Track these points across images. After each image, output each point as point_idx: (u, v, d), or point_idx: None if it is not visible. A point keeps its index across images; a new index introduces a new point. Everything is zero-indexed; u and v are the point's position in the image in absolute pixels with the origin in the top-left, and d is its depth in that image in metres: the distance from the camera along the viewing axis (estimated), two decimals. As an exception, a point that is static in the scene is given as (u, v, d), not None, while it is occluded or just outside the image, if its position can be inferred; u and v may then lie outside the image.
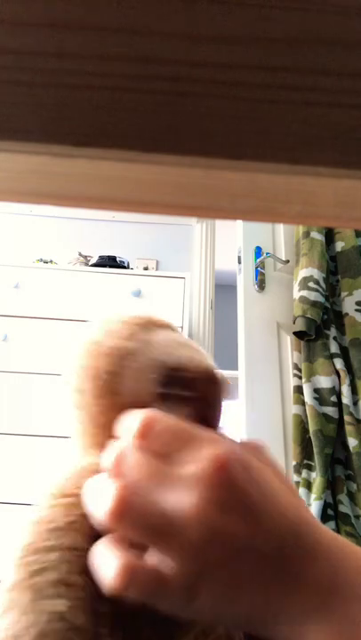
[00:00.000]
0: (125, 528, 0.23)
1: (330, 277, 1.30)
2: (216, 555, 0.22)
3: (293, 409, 1.18)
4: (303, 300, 1.20)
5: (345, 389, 1.13)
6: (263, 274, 1.35)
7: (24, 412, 1.44)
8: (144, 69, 0.14)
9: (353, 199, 0.17)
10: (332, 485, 1.10)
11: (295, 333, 1.22)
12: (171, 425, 0.25)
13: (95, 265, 1.84)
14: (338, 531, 1.05)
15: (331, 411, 1.13)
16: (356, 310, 1.21)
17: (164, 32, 0.13)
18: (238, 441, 0.27)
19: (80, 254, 1.95)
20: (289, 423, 1.20)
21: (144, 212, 0.17)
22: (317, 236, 1.28)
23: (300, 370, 1.21)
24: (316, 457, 1.10)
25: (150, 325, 0.33)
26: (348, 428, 1.09)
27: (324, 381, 1.16)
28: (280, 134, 0.15)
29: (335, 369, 1.17)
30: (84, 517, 0.26)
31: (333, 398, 1.14)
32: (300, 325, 1.19)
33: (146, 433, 0.25)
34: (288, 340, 1.31)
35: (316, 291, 1.20)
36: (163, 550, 0.22)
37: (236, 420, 1.26)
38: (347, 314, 1.22)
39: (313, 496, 1.06)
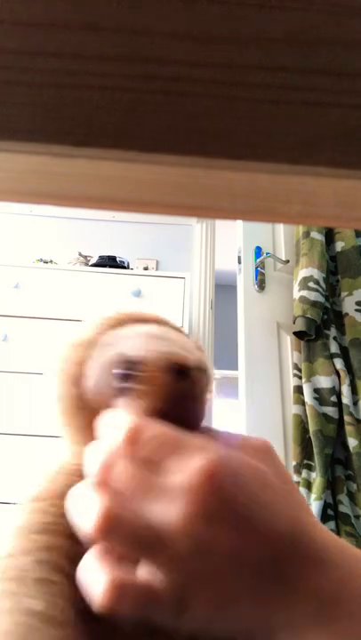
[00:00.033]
0: (112, 543, 0.22)
1: (330, 277, 1.30)
2: (205, 567, 0.21)
3: (293, 409, 1.19)
4: (303, 300, 1.20)
5: (345, 389, 1.13)
6: (263, 274, 1.35)
7: (24, 412, 1.44)
8: (144, 69, 0.14)
9: (353, 199, 0.17)
10: (332, 485, 1.10)
11: (295, 333, 1.22)
12: (159, 432, 0.24)
13: (95, 265, 1.84)
14: (338, 531, 1.05)
15: (331, 411, 1.13)
16: (357, 310, 1.21)
17: (164, 32, 0.13)
18: (241, 439, 0.27)
19: (80, 254, 1.95)
20: (289, 423, 1.20)
21: (144, 211, 0.17)
22: (317, 236, 1.28)
23: (300, 370, 1.21)
24: (316, 457, 1.10)
25: (128, 320, 0.33)
26: (349, 429, 1.09)
27: (324, 381, 1.16)
28: (280, 134, 0.15)
29: (335, 369, 1.17)
30: (62, 517, 0.27)
31: (333, 398, 1.14)
32: (300, 325, 1.19)
33: (133, 440, 0.24)
34: (288, 340, 1.31)
35: (316, 291, 1.20)
36: (151, 563, 0.22)
37: (236, 420, 1.25)
38: (347, 314, 1.22)
39: (313, 496, 1.06)
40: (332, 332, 1.22)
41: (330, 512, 1.06)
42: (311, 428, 1.12)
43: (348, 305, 1.23)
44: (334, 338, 1.22)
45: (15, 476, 1.37)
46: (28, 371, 1.50)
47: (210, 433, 0.28)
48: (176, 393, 0.27)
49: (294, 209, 0.17)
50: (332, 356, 1.19)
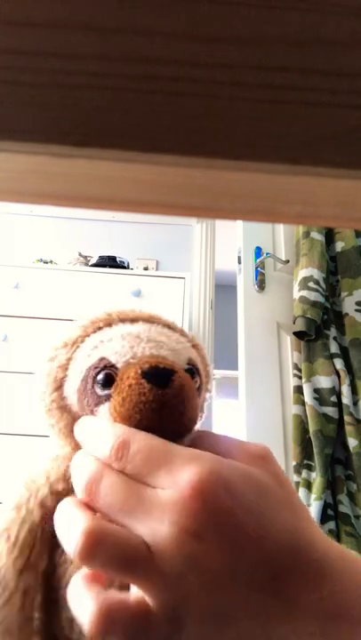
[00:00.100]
0: (97, 564, 0.21)
1: (330, 277, 1.30)
2: (197, 585, 0.20)
3: (293, 409, 1.18)
4: (303, 300, 1.20)
5: (345, 389, 1.13)
6: (263, 274, 1.35)
7: (24, 412, 1.44)
8: (144, 69, 0.14)
9: (353, 199, 0.17)
10: (332, 485, 1.10)
11: (295, 333, 1.22)
12: (146, 444, 0.23)
13: (95, 265, 1.84)
14: (338, 531, 1.05)
15: (331, 411, 1.13)
16: (357, 310, 1.21)
17: (165, 32, 0.13)
18: (238, 445, 0.26)
19: (80, 254, 1.95)
20: (289, 423, 1.20)
21: (144, 212, 0.17)
22: (317, 236, 1.28)
23: (300, 370, 1.21)
24: (316, 457, 1.10)
25: (116, 321, 0.32)
26: (349, 429, 1.09)
27: (324, 381, 1.16)
28: (280, 134, 0.15)
29: (335, 369, 1.17)
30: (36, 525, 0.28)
31: (333, 398, 1.14)
32: (300, 325, 1.19)
33: (121, 453, 0.23)
34: (288, 340, 1.31)
35: (317, 291, 1.20)
36: (141, 584, 0.21)
37: (236, 420, 1.25)
38: (347, 314, 1.22)
39: (313, 496, 1.06)
40: (332, 332, 1.22)
41: (330, 512, 1.06)
42: (311, 428, 1.12)
43: (348, 305, 1.23)
44: (334, 338, 1.22)
45: (15, 477, 1.37)
46: (28, 371, 1.50)
47: (207, 438, 0.27)
48: (155, 400, 0.25)
49: (294, 209, 0.17)
50: (332, 356, 1.19)
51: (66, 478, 0.31)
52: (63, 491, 0.31)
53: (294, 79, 0.14)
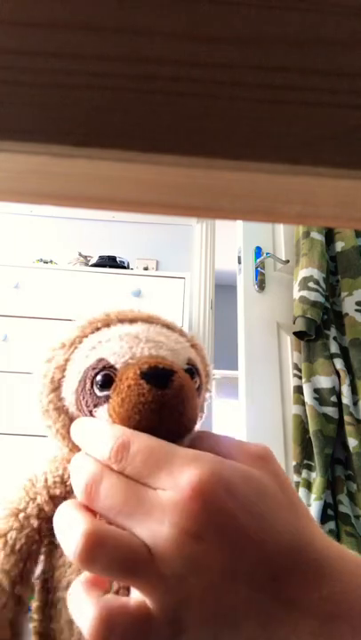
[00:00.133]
0: (96, 568, 0.21)
1: (330, 277, 1.30)
2: (198, 586, 0.20)
3: (293, 409, 1.18)
4: (303, 300, 1.20)
5: (345, 389, 1.13)
6: (263, 274, 1.35)
7: (24, 412, 1.44)
8: (144, 69, 0.14)
9: (353, 199, 0.17)
10: (332, 485, 1.10)
11: (295, 333, 1.22)
12: (145, 446, 0.23)
13: (95, 265, 1.84)
14: (338, 531, 1.05)
15: (331, 411, 1.13)
16: (357, 310, 1.21)
17: (165, 32, 0.13)
18: (239, 445, 0.25)
19: (80, 254, 1.95)
20: (289, 423, 1.20)
21: (144, 212, 0.17)
22: (317, 236, 1.28)
23: (300, 370, 1.21)
24: (316, 457, 1.10)
25: (114, 321, 0.32)
26: (349, 429, 1.09)
27: (324, 381, 1.16)
28: (280, 134, 0.15)
29: (335, 369, 1.17)
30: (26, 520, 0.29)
31: (333, 398, 1.14)
32: (300, 325, 1.19)
33: (121, 454, 0.23)
34: (288, 340, 1.31)
35: (317, 291, 1.20)
36: (140, 587, 0.21)
37: (236, 420, 1.25)
38: (347, 314, 1.22)
39: (313, 496, 1.07)
40: (333, 332, 1.22)
41: (330, 512, 1.06)
42: (311, 428, 1.12)
43: (348, 305, 1.23)
44: (334, 338, 1.22)
45: (15, 477, 1.37)
46: (28, 371, 1.50)
47: (207, 439, 0.27)
48: (155, 401, 0.25)
49: (294, 209, 0.17)
50: (332, 356, 1.19)
51: (64, 481, 0.31)
52: (61, 494, 0.31)
53: (294, 79, 0.14)
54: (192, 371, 0.30)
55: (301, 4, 0.13)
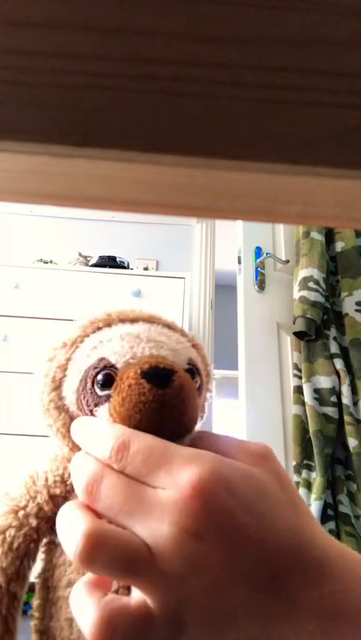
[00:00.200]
0: (97, 567, 0.21)
1: (330, 277, 1.30)
2: (198, 585, 0.20)
3: (293, 409, 1.19)
4: (303, 300, 1.20)
5: (345, 389, 1.13)
6: (263, 274, 1.35)
7: (24, 412, 1.44)
8: (144, 69, 0.14)
9: (353, 199, 0.17)
10: (332, 485, 1.10)
11: (295, 333, 1.22)
12: (146, 445, 0.23)
13: (95, 265, 1.84)
14: (338, 531, 1.05)
15: (331, 411, 1.13)
16: (357, 310, 1.21)
17: (165, 32, 0.13)
18: (239, 444, 0.25)
19: (80, 254, 1.95)
20: (289, 423, 1.20)
21: (143, 212, 0.17)
22: (317, 236, 1.28)
23: (300, 370, 1.21)
24: (316, 457, 1.10)
25: (115, 321, 0.32)
26: (349, 429, 1.10)
27: (325, 381, 1.16)
28: (280, 134, 0.15)
29: (335, 369, 1.17)
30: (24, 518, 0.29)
31: (333, 398, 1.14)
32: (300, 325, 1.19)
33: (121, 454, 0.23)
34: (288, 340, 1.31)
35: (317, 291, 1.20)
36: (141, 586, 0.21)
37: (236, 420, 1.25)
38: (347, 314, 1.23)
39: (313, 496, 1.07)
40: (333, 332, 1.22)
41: (330, 512, 1.06)
42: (311, 428, 1.12)
43: (348, 305, 1.23)
44: (334, 338, 1.22)
45: (15, 477, 1.37)
46: (28, 371, 1.50)
47: (208, 438, 0.27)
48: (155, 400, 0.25)
49: (294, 209, 0.17)
50: (332, 357, 1.19)
51: (64, 480, 0.32)
52: (61, 493, 0.31)
53: (294, 79, 0.14)
54: (193, 371, 0.30)
55: (301, 4, 0.13)
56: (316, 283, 1.21)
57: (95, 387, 0.28)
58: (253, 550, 0.21)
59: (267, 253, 1.36)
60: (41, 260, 1.96)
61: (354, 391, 1.14)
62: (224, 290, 2.25)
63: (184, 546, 0.20)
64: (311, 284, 1.21)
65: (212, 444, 0.26)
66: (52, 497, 0.31)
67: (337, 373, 1.16)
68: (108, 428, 0.25)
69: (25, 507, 0.30)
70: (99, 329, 0.32)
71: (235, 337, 1.32)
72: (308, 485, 1.10)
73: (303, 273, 1.24)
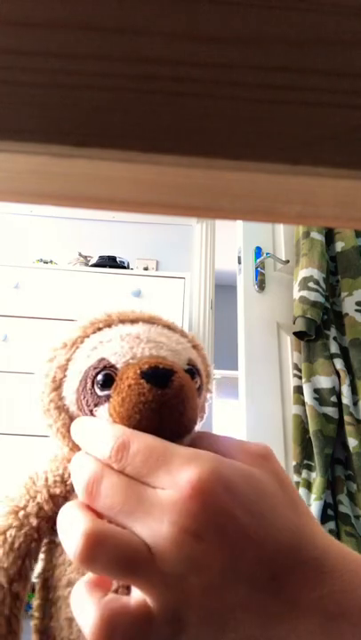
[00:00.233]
0: (97, 567, 0.21)
1: (330, 277, 1.30)
2: (198, 585, 0.20)
3: (293, 409, 1.19)
4: (303, 300, 1.20)
5: (345, 390, 1.13)
6: (263, 274, 1.35)
7: (24, 412, 1.44)
8: (144, 69, 0.14)
9: (353, 199, 0.17)
10: (332, 485, 1.10)
11: (295, 333, 1.22)
12: (145, 445, 0.23)
13: (95, 265, 1.84)
14: (338, 531, 1.05)
15: (331, 411, 1.13)
16: (357, 310, 1.21)
17: (165, 32, 0.13)
18: (239, 445, 0.25)
19: (80, 254, 1.95)
20: (289, 423, 1.20)
21: (144, 212, 0.17)
22: (317, 237, 1.28)
23: (300, 370, 1.21)
24: (316, 457, 1.10)
25: (116, 321, 0.32)
26: (349, 429, 1.10)
27: (325, 381, 1.16)
28: (280, 134, 0.15)
29: (335, 369, 1.17)
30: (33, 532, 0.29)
31: (333, 398, 1.14)
32: (300, 325, 1.19)
33: (121, 453, 0.23)
34: (288, 340, 1.31)
35: (317, 291, 1.20)
36: (141, 586, 0.21)
37: (236, 420, 1.25)
38: (347, 314, 1.23)
39: (313, 496, 1.07)
40: (333, 332, 1.22)
41: (330, 512, 1.06)
42: (311, 428, 1.12)
43: (348, 305, 1.23)
44: (334, 338, 1.22)
45: (15, 477, 1.37)
46: (28, 371, 1.50)
47: (207, 438, 0.27)
48: (155, 401, 0.25)
49: (294, 209, 0.17)
50: (332, 357, 1.19)
51: (64, 480, 0.32)
52: (61, 493, 0.31)
53: (294, 79, 0.14)
54: (193, 371, 0.30)
55: (301, 4, 0.13)
56: (316, 283, 1.21)
57: (95, 387, 0.28)
58: (253, 550, 0.21)
59: (267, 253, 1.36)
60: (41, 260, 1.96)
61: (354, 391, 1.14)
62: (224, 290, 2.24)
63: (184, 546, 0.20)
64: (311, 284, 1.21)
65: (212, 445, 0.26)
66: (52, 496, 0.31)
67: (337, 373, 1.16)
68: (107, 428, 0.25)
69: (25, 507, 0.30)
70: (99, 329, 0.32)
71: (235, 337, 1.32)
72: (308, 485, 1.10)
73: (303, 273, 1.24)
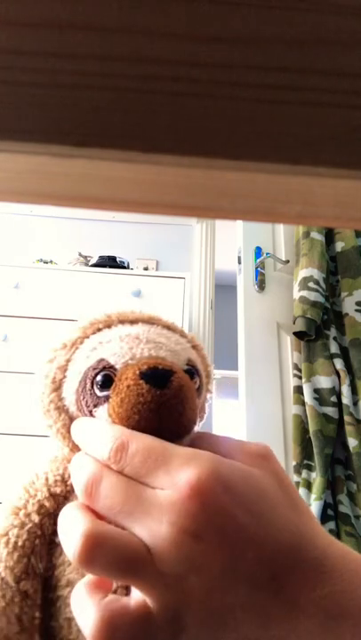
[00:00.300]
0: (96, 568, 0.21)
1: (330, 277, 1.30)
2: (197, 585, 0.20)
3: (293, 409, 1.19)
4: (303, 300, 1.20)
5: (345, 390, 1.13)
6: (263, 274, 1.35)
7: (24, 412, 1.44)
8: (144, 69, 0.14)
9: (353, 199, 0.17)
10: (332, 485, 1.10)
11: (295, 333, 1.22)
12: (144, 445, 0.23)
13: (95, 265, 1.84)
14: (338, 531, 1.05)
15: (331, 411, 1.13)
16: (357, 310, 1.21)
17: (164, 32, 0.13)
18: (239, 445, 0.25)
19: (80, 254, 1.95)
20: (289, 423, 1.20)
21: (144, 212, 0.17)
22: (317, 237, 1.28)
23: (300, 370, 1.21)
24: (316, 457, 1.10)
25: (115, 322, 0.32)
26: (349, 429, 1.10)
27: (325, 381, 1.16)
28: (280, 134, 0.15)
29: (335, 369, 1.17)
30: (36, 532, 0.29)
31: (333, 398, 1.14)
32: (300, 325, 1.19)
33: (120, 454, 0.23)
34: (288, 340, 1.31)
35: (317, 291, 1.20)
36: (140, 586, 0.21)
37: (236, 420, 1.25)
38: (347, 314, 1.23)
39: (313, 496, 1.07)
40: (333, 332, 1.22)
41: (330, 512, 1.06)
42: (311, 428, 1.12)
43: (348, 305, 1.23)
44: (334, 338, 1.22)
45: (15, 476, 1.37)
46: (28, 371, 1.50)
47: (207, 439, 0.27)
48: (154, 401, 0.25)
49: (294, 209, 0.17)
50: (332, 357, 1.19)
51: (64, 480, 0.32)
52: (62, 493, 0.31)
53: (294, 79, 0.14)
54: (192, 371, 0.30)
55: (301, 4, 0.13)
56: (316, 283, 1.21)
57: (94, 387, 0.28)
58: (253, 550, 0.21)
59: (267, 253, 1.36)
60: (41, 260, 1.96)
61: (354, 391, 1.14)
62: (224, 290, 2.24)
63: (183, 546, 0.20)
64: (311, 284, 1.21)
65: (212, 445, 0.26)
66: (52, 495, 0.31)
67: (337, 373, 1.16)
68: (106, 429, 0.25)
69: (25, 506, 0.30)
70: (98, 330, 0.32)
71: (235, 337, 1.32)
72: (308, 485, 1.10)
73: (303, 273, 1.24)
